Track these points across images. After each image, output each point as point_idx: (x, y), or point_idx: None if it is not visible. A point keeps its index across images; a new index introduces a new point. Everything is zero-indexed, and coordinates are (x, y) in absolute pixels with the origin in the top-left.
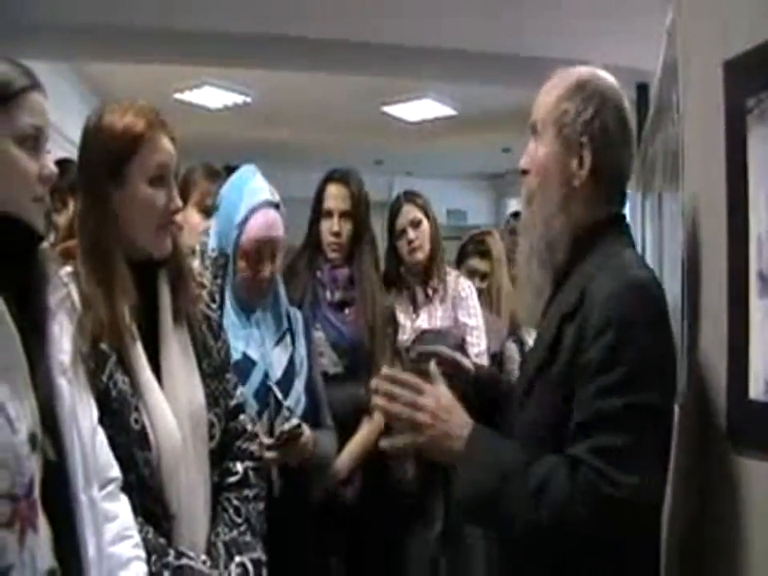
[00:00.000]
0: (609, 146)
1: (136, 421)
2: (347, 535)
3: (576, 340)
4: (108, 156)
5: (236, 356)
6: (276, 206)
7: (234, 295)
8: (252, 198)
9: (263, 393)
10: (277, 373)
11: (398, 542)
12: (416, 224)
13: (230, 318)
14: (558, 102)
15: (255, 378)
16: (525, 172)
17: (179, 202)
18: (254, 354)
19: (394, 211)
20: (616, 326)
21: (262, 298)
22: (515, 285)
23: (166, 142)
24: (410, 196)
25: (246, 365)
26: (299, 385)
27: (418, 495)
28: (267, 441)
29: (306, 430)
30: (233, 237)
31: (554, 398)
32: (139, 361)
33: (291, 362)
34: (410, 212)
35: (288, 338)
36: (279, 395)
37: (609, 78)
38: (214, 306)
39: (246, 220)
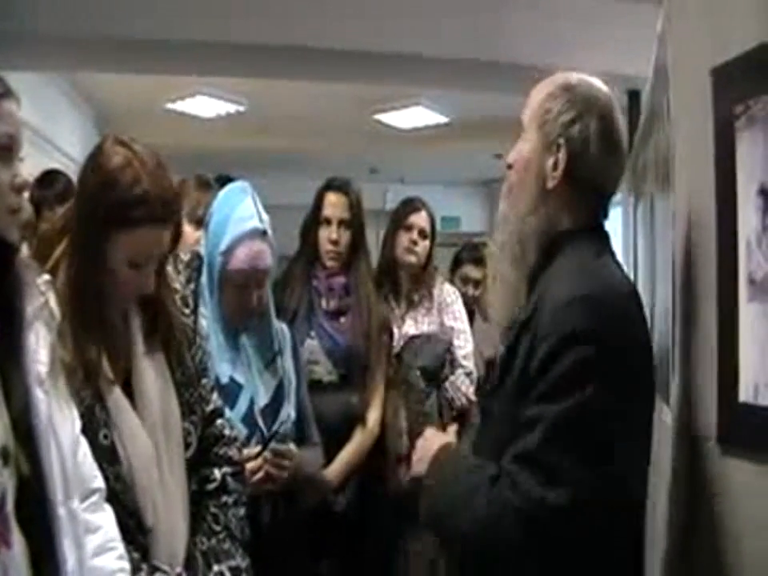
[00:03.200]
0: (587, 152)
1: (105, 436)
2: (344, 539)
3: (528, 351)
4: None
5: (224, 380)
6: (264, 233)
7: (221, 317)
8: (238, 226)
9: (251, 418)
10: (264, 398)
11: (396, 544)
12: (423, 234)
13: (218, 338)
14: (544, 100)
15: (242, 402)
16: (510, 166)
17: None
18: (240, 378)
19: (413, 207)
20: (552, 338)
21: (248, 322)
22: None
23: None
24: (430, 210)
25: (233, 389)
26: (288, 409)
27: (414, 497)
28: (253, 463)
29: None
30: (217, 263)
31: (510, 409)
32: (108, 377)
33: (281, 386)
34: (424, 220)
35: (278, 362)
36: (263, 426)
37: (602, 87)
38: (187, 311)
39: (230, 250)
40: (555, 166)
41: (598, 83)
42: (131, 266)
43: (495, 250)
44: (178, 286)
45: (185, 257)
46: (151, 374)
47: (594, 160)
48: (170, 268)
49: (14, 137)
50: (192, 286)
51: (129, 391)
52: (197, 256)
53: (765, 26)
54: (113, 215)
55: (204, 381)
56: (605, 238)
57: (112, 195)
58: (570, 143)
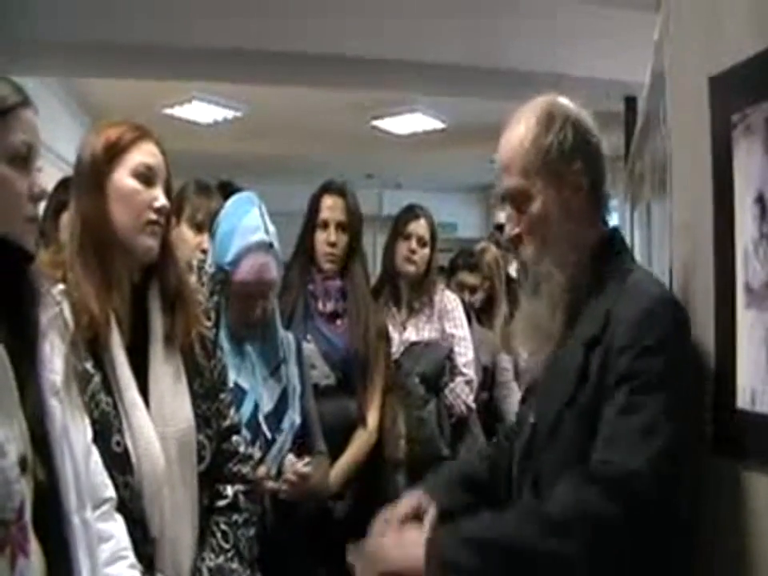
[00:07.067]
0: (595, 157)
1: (118, 443)
2: (343, 547)
3: (602, 363)
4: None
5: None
6: (270, 246)
7: (227, 325)
8: (244, 238)
9: (254, 424)
10: (267, 405)
11: None
12: (422, 243)
13: (224, 345)
14: (535, 141)
15: (246, 408)
16: (517, 238)
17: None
18: (244, 383)
19: (412, 215)
20: (641, 343)
21: (253, 332)
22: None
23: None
24: (430, 217)
25: (238, 394)
26: (293, 416)
27: None
28: (272, 484)
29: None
30: (224, 270)
31: (585, 428)
32: (125, 379)
33: (285, 393)
34: (423, 228)
35: (283, 370)
36: (267, 432)
37: (565, 99)
38: (208, 324)
39: (236, 261)
40: (578, 187)
41: (560, 97)
42: (139, 178)
43: (539, 279)
44: (201, 298)
45: (210, 269)
46: (168, 381)
47: (600, 160)
48: (193, 279)
49: (31, 146)
50: (215, 298)
51: (144, 399)
52: (220, 269)
53: (762, 34)
54: (113, 147)
55: (222, 395)
56: (624, 243)
57: (104, 141)
58: (585, 160)
